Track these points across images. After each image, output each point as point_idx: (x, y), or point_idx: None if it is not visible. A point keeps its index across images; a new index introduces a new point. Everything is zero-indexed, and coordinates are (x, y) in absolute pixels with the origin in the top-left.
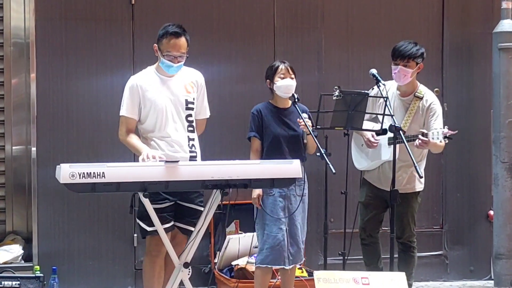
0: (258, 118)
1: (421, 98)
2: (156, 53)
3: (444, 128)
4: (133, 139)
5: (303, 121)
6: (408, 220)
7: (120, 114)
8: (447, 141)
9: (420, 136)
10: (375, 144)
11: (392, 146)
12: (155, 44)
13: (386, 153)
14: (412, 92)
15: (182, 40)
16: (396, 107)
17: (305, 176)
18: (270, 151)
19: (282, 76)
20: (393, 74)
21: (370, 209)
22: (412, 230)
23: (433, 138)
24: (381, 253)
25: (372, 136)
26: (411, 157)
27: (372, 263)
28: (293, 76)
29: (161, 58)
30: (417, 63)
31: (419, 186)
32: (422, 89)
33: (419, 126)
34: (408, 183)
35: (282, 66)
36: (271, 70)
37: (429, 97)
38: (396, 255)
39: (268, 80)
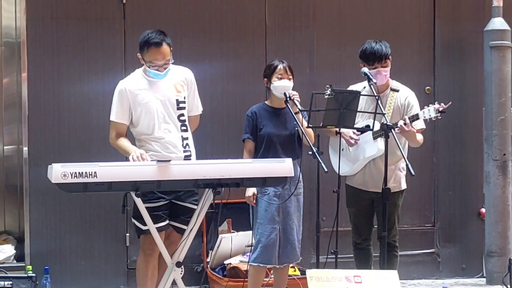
0: (252, 119)
1: (397, 91)
2: (141, 61)
3: (434, 104)
4: (123, 141)
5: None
6: (394, 220)
7: (110, 119)
8: (440, 117)
9: (402, 126)
10: (357, 141)
11: (376, 141)
12: (138, 54)
13: (371, 149)
14: (387, 88)
15: (164, 48)
16: (374, 106)
17: (301, 175)
18: (265, 151)
19: (279, 76)
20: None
21: (360, 214)
22: (396, 230)
23: (425, 117)
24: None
25: (354, 133)
26: (402, 152)
27: (366, 267)
28: (291, 76)
29: (147, 68)
30: (390, 60)
31: (404, 184)
32: (395, 84)
33: (400, 119)
34: (394, 182)
35: (280, 66)
36: (269, 69)
37: (405, 91)
38: (377, 254)
39: (265, 79)
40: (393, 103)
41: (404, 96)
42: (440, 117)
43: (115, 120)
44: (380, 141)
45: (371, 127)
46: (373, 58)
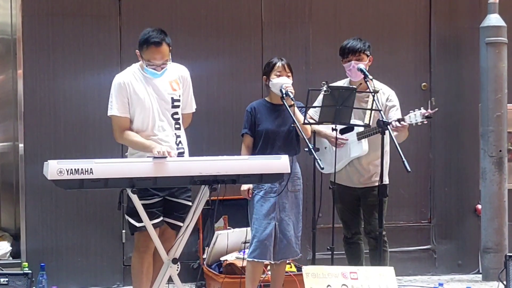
0: (251, 115)
1: (377, 92)
2: (140, 58)
3: (420, 109)
4: (134, 136)
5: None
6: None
7: (112, 114)
8: (426, 122)
9: (397, 123)
10: (344, 143)
11: (361, 142)
12: (137, 50)
13: (356, 149)
14: (367, 87)
15: (163, 48)
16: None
17: (299, 172)
18: (263, 148)
19: (278, 73)
20: (347, 72)
21: (346, 210)
22: (382, 225)
23: (411, 121)
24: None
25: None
26: (397, 148)
27: (358, 263)
28: (289, 74)
29: (145, 66)
30: (367, 56)
31: (386, 179)
32: (376, 84)
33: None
34: (375, 176)
35: (279, 64)
36: (268, 67)
37: (386, 91)
38: (367, 250)
39: (264, 77)
40: (372, 102)
41: (385, 95)
42: (426, 122)
43: (117, 114)
44: (365, 142)
45: (353, 128)
46: (347, 51)
